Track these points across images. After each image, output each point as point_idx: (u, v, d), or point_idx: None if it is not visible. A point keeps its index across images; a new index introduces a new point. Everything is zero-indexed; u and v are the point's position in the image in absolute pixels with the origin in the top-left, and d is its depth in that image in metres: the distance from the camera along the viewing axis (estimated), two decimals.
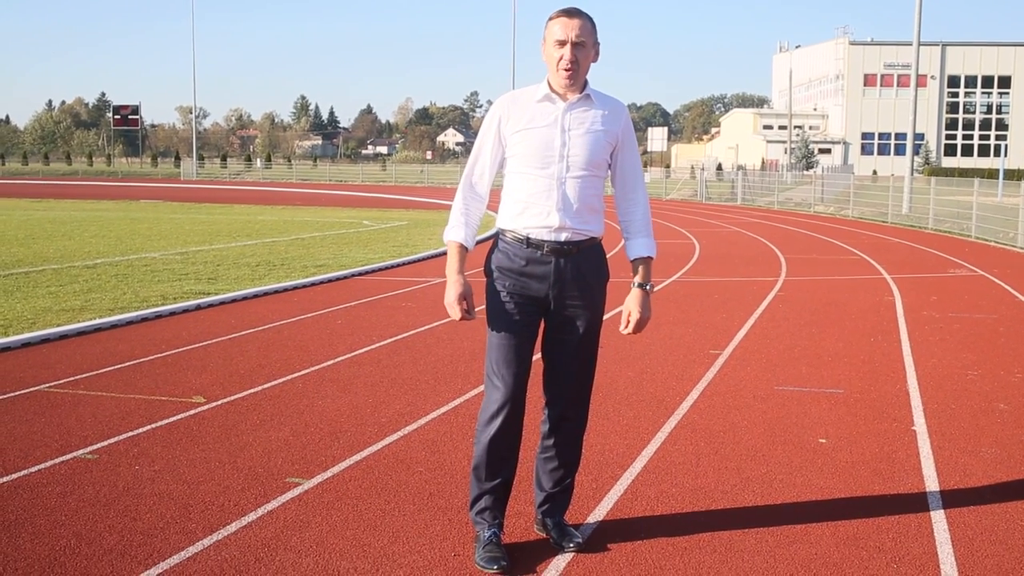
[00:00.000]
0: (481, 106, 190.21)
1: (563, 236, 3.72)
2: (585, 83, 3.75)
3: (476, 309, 3.80)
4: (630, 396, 6.44)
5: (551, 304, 3.77)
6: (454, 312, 3.74)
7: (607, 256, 3.92)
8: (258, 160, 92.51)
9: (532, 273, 3.74)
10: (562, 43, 3.66)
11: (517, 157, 3.75)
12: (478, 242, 3.97)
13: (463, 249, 3.81)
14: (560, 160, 3.70)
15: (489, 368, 3.78)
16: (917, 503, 4.48)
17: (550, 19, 3.71)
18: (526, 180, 3.73)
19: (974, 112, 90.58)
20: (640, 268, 3.86)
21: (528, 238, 3.73)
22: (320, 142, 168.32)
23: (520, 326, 3.75)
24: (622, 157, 3.85)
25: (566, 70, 3.66)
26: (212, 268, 13.53)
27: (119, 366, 7.16)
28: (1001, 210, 23.17)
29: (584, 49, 3.67)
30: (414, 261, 15.10)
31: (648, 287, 3.85)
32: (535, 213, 3.72)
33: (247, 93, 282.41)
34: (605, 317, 3.94)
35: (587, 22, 3.68)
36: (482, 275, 3.86)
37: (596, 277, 3.82)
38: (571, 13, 3.68)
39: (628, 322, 3.81)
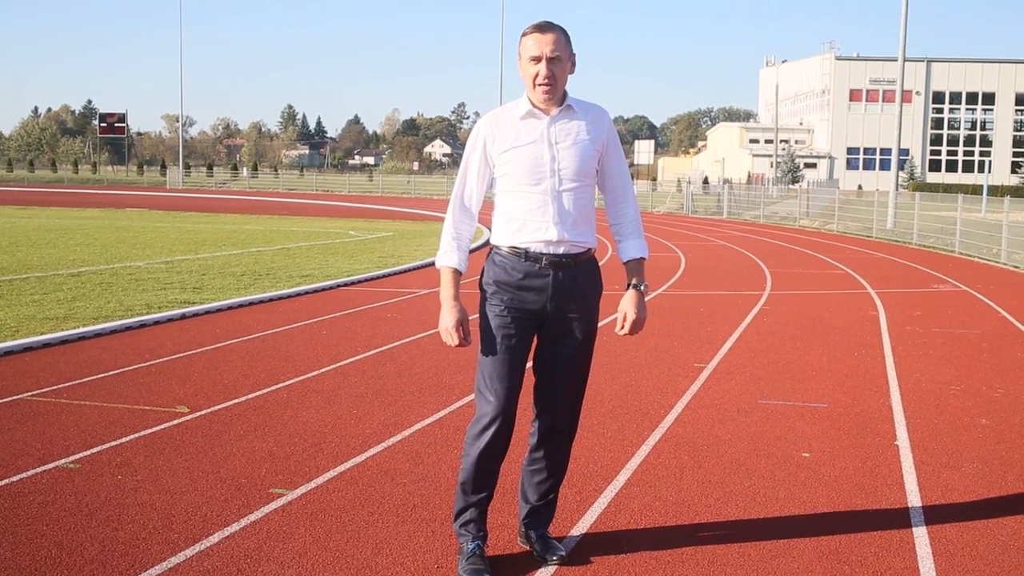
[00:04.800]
0: (468, 117, 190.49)
1: (561, 249, 3.72)
2: (564, 94, 3.76)
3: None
4: (615, 408, 6.45)
5: (548, 317, 3.77)
6: (451, 339, 3.72)
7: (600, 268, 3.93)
8: (244, 169, 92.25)
9: (530, 286, 3.73)
10: (537, 59, 3.64)
11: (507, 176, 3.73)
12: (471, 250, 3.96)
13: (457, 274, 3.79)
14: (552, 175, 3.69)
15: (480, 381, 3.77)
16: (899, 518, 4.50)
17: (523, 35, 3.69)
18: (519, 198, 3.72)
19: (959, 128, 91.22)
20: (633, 269, 3.86)
21: (527, 251, 3.73)
22: (307, 152, 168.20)
23: (515, 340, 3.74)
24: (608, 162, 3.85)
25: (543, 86, 3.65)
26: (197, 277, 13.49)
27: (103, 375, 7.13)
28: (985, 226, 23.32)
29: (560, 63, 3.66)
30: (400, 272, 15.09)
31: (643, 287, 3.84)
32: (533, 229, 3.71)
33: (234, 102, 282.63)
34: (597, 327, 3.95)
35: (561, 35, 3.66)
36: (475, 288, 3.86)
37: (591, 289, 3.83)
38: (543, 28, 3.65)
39: (624, 323, 3.81)
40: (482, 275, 3.82)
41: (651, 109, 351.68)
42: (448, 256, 3.81)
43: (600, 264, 3.94)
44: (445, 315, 3.73)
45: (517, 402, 3.79)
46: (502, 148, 3.73)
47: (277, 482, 4.81)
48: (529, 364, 3.84)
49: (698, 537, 4.20)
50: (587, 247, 3.79)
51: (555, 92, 3.68)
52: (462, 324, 3.72)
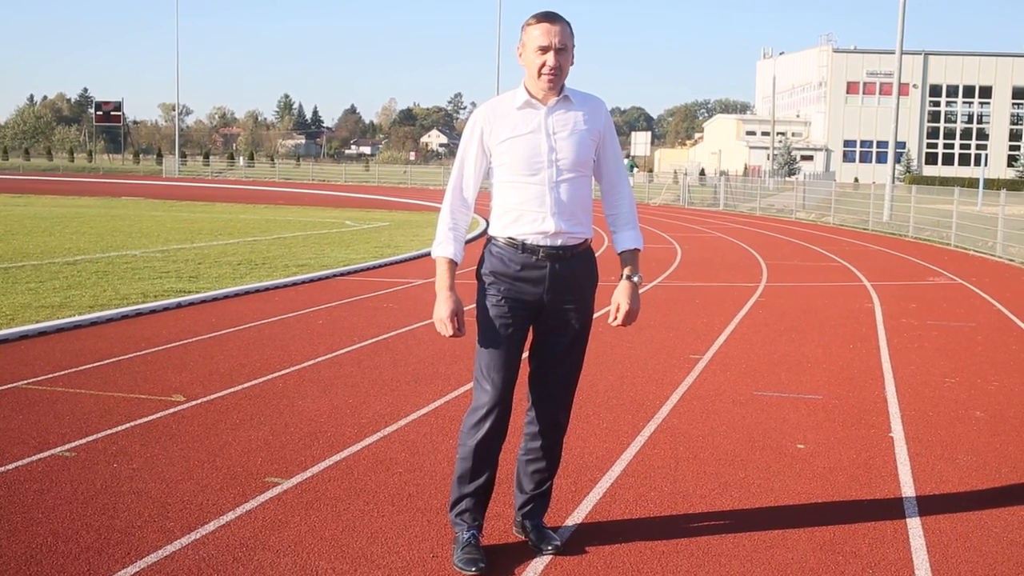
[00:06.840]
0: (465, 108, 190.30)
1: (559, 241, 3.73)
2: (562, 86, 3.77)
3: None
4: (610, 400, 6.46)
5: (545, 308, 3.78)
6: (445, 329, 3.72)
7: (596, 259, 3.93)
8: (241, 158, 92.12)
9: (527, 277, 3.74)
10: (545, 49, 3.65)
11: (504, 167, 3.74)
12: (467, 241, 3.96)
13: (453, 264, 3.79)
14: (550, 165, 3.70)
15: (478, 371, 3.78)
16: (893, 509, 4.51)
17: (528, 24, 3.70)
18: (516, 188, 3.72)
19: (955, 121, 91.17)
20: (628, 260, 3.87)
21: (524, 243, 3.73)
22: (303, 141, 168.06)
23: (512, 330, 3.75)
24: (605, 152, 3.85)
25: (549, 76, 3.66)
26: (193, 266, 13.48)
27: (98, 363, 7.13)
28: (980, 219, 23.33)
29: (566, 54, 3.68)
30: (396, 262, 15.08)
31: (637, 279, 3.85)
32: (530, 220, 3.71)
33: (231, 91, 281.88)
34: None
35: (567, 27, 3.70)
36: (471, 279, 3.86)
37: (588, 280, 3.84)
38: (552, 19, 3.67)
39: (617, 314, 3.82)
40: (479, 265, 3.83)
41: (648, 101, 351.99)
42: (444, 246, 3.80)
43: (596, 255, 3.94)
44: (440, 305, 3.73)
45: (513, 392, 3.81)
46: (499, 138, 3.73)
47: (273, 471, 4.81)
48: (525, 355, 3.85)
49: (693, 528, 4.21)
50: (584, 238, 3.80)
51: (559, 82, 3.70)
52: (457, 315, 3.72)
